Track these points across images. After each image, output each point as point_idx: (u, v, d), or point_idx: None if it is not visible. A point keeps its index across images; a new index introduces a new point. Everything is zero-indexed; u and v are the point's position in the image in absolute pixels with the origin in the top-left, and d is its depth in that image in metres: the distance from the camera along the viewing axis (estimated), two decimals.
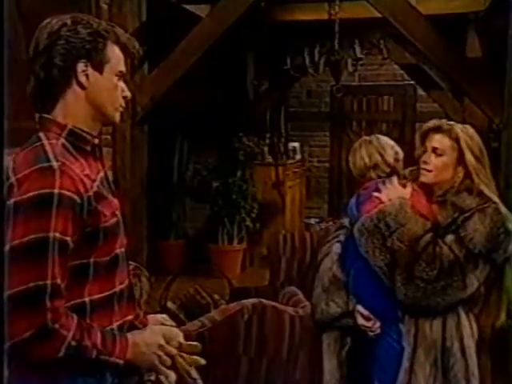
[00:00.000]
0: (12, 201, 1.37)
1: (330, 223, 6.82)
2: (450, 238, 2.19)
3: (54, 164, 1.41)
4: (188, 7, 5.01)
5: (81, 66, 1.51)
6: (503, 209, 2.22)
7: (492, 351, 2.59)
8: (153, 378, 1.60)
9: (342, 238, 2.51)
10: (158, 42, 3.97)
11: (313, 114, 8.53)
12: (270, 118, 7.65)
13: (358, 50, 5.30)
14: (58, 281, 1.38)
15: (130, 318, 1.63)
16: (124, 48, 1.58)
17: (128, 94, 1.61)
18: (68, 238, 1.40)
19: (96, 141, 1.58)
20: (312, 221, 8.09)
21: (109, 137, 3.92)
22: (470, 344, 2.27)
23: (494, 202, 2.22)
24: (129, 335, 1.52)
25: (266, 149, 7.17)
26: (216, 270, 5.97)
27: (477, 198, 2.22)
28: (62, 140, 1.50)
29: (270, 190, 6.94)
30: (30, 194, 1.37)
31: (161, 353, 1.54)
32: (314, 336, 2.62)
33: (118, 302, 1.58)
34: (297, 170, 7.69)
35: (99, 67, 1.54)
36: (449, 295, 2.17)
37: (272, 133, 7.64)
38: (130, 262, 1.86)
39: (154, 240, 5.36)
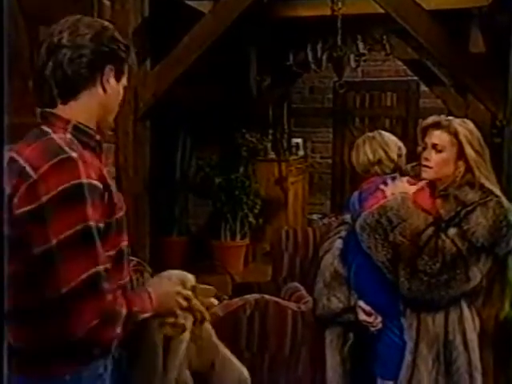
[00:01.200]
0: (44, 198, 1.37)
1: (333, 219, 6.81)
2: (452, 231, 2.19)
3: (74, 154, 1.42)
4: (190, 3, 5.00)
5: (108, 70, 1.56)
6: (505, 202, 2.23)
7: (494, 344, 2.59)
8: (172, 320, 1.64)
9: (343, 233, 2.51)
10: (160, 38, 3.96)
11: (316, 109, 8.52)
12: (273, 114, 7.64)
13: (360, 45, 5.29)
14: (108, 265, 1.43)
15: None
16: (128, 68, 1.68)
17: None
18: (100, 225, 1.43)
19: (98, 137, 1.59)
20: (315, 217, 8.09)
21: (111, 133, 3.92)
22: (473, 337, 2.28)
23: (497, 196, 2.22)
24: (149, 288, 1.58)
25: (268, 145, 7.16)
26: (219, 265, 5.98)
27: (479, 192, 2.23)
28: (69, 135, 1.51)
29: (273, 186, 6.94)
30: (61, 187, 1.38)
31: (180, 298, 1.61)
32: (316, 332, 2.62)
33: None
34: (299, 166, 7.68)
35: (119, 76, 1.60)
36: (452, 288, 2.18)
37: (275, 129, 7.64)
38: (133, 258, 1.87)
39: (156, 236, 5.36)
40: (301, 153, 8.00)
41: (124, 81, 1.64)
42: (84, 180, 1.40)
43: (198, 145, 6.79)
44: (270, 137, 7.38)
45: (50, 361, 1.45)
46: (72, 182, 1.39)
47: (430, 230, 2.21)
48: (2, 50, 1.03)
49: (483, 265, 2.20)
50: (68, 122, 1.52)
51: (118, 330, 1.42)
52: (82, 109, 1.55)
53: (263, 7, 4.98)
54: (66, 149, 1.44)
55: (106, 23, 1.61)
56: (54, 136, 1.48)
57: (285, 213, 7.00)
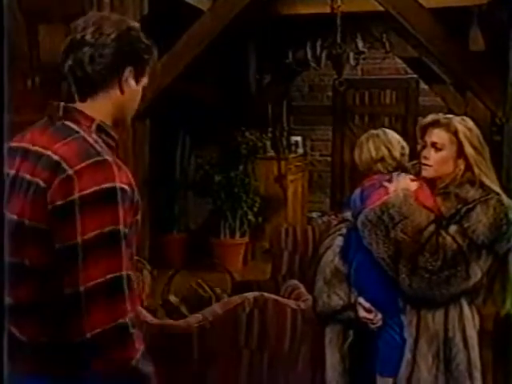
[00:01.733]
0: (77, 195, 1.36)
1: (332, 217, 6.82)
2: (453, 228, 2.19)
3: (109, 158, 1.42)
4: (189, 1, 5.00)
5: (127, 72, 1.54)
6: (506, 200, 2.23)
7: (494, 342, 2.60)
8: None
9: (343, 231, 2.51)
10: (159, 36, 3.96)
11: (315, 107, 8.52)
12: (272, 112, 7.64)
13: (360, 43, 5.28)
14: (131, 272, 1.41)
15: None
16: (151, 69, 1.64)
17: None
18: (127, 230, 1.42)
19: (117, 136, 1.59)
20: (314, 215, 8.10)
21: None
22: (473, 335, 2.28)
23: (497, 193, 2.23)
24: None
25: (268, 143, 7.16)
26: (218, 263, 5.98)
27: (479, 190, 2.23)
28: (94, 135, 1.49)
29: (273, 184, 6.94)
30: (96, 188, 1.37)
31: None
32: (315, 329, 2.62)
33: None
34: (299, 163, 7.68)
35: (139, 78, 1.57)
36: (453, 285, 2.18)
37: (274, 127, 7.64)
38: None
39: (156, 234, 5.36)
40: (300, 151, 8.01)
41: (144, 81, 1.61)
42: (117, 184, 1.40)
43: (197, 143, 6.79)
44: (270, 135, 7.38)
45: (57, 358, 1.44)
46: (107, 185, 1.38)
47: (432, 227, 2.21)
48: (2, 50, 1.03)
49: (484, 262, 2.20)
50: (92, 120, 1.51)
51: (132, 361, 1.37)
52: (100, 108, 1.54)
53: (262, 5, 4.98)
54: (100, 151, 1.43)
55: (133, 23, 1.58)
56: (86, 135, 1.47)
57: (284, 211, 7.01)
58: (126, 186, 1.43)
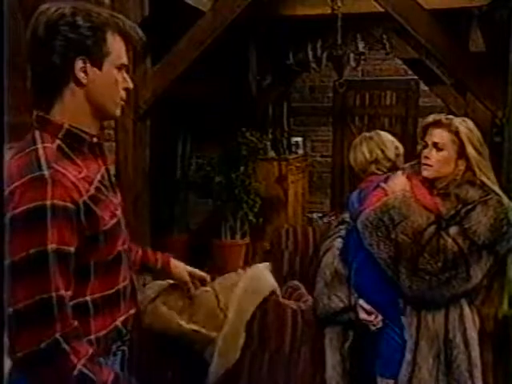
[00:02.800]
0: (8, 215, 1.32)
1: (333, 218, 6.82)
2: (453, 229, 2.20)
3: (46, 173, 1.36)
4: (190, 2, 5.00)
5: (79, 63, 1.44)
6: (506, 200, 2.24)
7: (493, 342, 2.60)
8: None
9: (343, 232, 2.52)
10: (160, 37, 3.96)
11: (315, 108, 8.52)
12: (273, 113, 7.64)
13: (360, 44, 5.29)
14: (62, 292, 1.35)
15: (133, 311, 1.64)
16: (127, 37, 1.51)
17: (130, 85, 1.55)
18: (66, 248, 1.37)
19: (94, 139, 1.52)
20: (314, 215, 8.10)
21: (111, 131, 3.92)
22: (473, 335, 2.28)
23: (497, 194, 2.23)
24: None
25: (268, 144, 7.16)
26: (218, 264, 5.98)
27: (479, 190, 2.23)
28: (58, 142, 1.44)
29: (273, 185, 6.94)
30: (24, 207, 1.33)
31: None
32: (316, 330, 2.62)
33: (123, 299, 1.58)
34: (299, 164, 7.68)
35: (98, 63, 1.46)
36: (453, 287, 2.18)
37: (275, 128, 7.64)
38: None
39: (157, 235, 5.36)
40: (301, 152, 8.00)
41: (114, 62, 1.48)
42: (48, 202, 1.33)
43: (198, 144, 6.79)
44: (270, 136, 7.38)
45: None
46: (34, 204, 1.33)
47: (432, 229, 2.21)
48: (3, 50, 1.03)
49: (484, 263, 2.20)
50: (60, 127, 1.45)
51: (68, 380, 1.33)
52: (70, 107, 1.46)
53: (263, 6, 4.98)
54: (43, 165, 1.37)
55: (78, 7, 1.44)
56: (40, 147, 1.41)
57: (285, 211, 7.01)
58: (63, 203, 1.35)
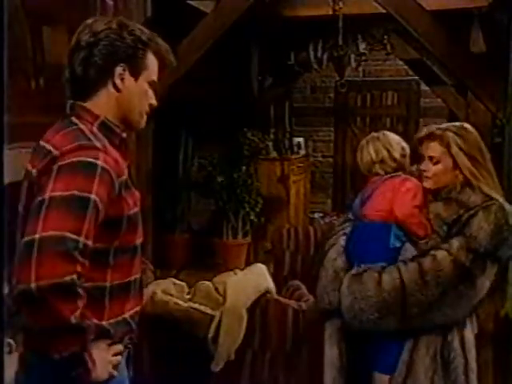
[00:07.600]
0: (57, 164, 1.42)
1: (334, 218, 6.84)
2: (455, 244, 2.18)
3: (97, 144, 1.47)
4: (193, 3, 5.02)
5: (119, 70, 1.57)
6: (507, 205, 2.23)
7: (493, 343, 2.61)
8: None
9: (348, 230, 2.53)
10: (163, 38, 3.98)
11: (317, 109, 8.53)
12: (275, 113, 7.65)
13: (361, 45, 5.30)
14: (89, 242, 1.40)
15: (138, 308, 1.67)
16: (161, 59, 1.67)
17: (154, 102, 1.67)
18: (102, 207, 1.43)
19: (124, 135, 1.62)
20: (316, 215, 8.11)
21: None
22: (470, 338, 2.29)
23: (497, 200, 2.23)
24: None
25: (270, 144, 7.18)
26: (220, 264, 6.00)
27: (481, 195, 2.23)
28: (95, 129, 1.54)
29: (275, 185, 6.95)
30: (76, 159, 1.42)
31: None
32: (317, 330, 2.64)
33: (133, 291, 1.62)
34: (301, 164, 7.69)
35: (136, 73, 1.60)
36: (463, 306, 2.21)
37: (276, 128, 7.65)
38: None
39: (159, 234, 5.38)
40: (302, 152, 8.02)
41: (147, 77, 1.62)
42: (100, 162, 1.43)
43: (200, 144, 6.81)
44: (272, 136, 7.40)
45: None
46: (88, 159, 1.42)
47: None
48: (3, 50, 1.05)
49: (489, 271, 2.20)
50: (97, 117, 1.56)
51: (72, 317, 1.36)
52: (103, 108, 1.58)
53: (265, 7, 5.00)
54: (92, 138, 1.49)
55: (124, 21, 1.61)
56: (82, 127, 1.52)
57: (286, 211, 7.02)
58: (110, 169, 1.45)
